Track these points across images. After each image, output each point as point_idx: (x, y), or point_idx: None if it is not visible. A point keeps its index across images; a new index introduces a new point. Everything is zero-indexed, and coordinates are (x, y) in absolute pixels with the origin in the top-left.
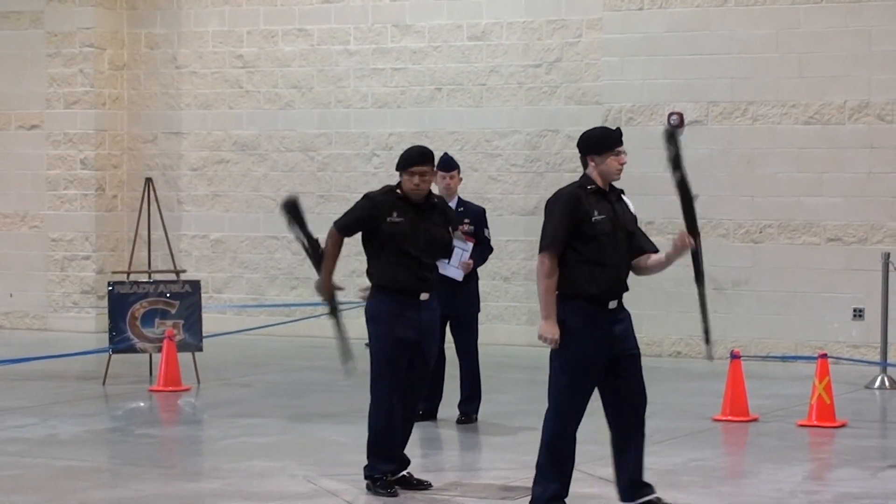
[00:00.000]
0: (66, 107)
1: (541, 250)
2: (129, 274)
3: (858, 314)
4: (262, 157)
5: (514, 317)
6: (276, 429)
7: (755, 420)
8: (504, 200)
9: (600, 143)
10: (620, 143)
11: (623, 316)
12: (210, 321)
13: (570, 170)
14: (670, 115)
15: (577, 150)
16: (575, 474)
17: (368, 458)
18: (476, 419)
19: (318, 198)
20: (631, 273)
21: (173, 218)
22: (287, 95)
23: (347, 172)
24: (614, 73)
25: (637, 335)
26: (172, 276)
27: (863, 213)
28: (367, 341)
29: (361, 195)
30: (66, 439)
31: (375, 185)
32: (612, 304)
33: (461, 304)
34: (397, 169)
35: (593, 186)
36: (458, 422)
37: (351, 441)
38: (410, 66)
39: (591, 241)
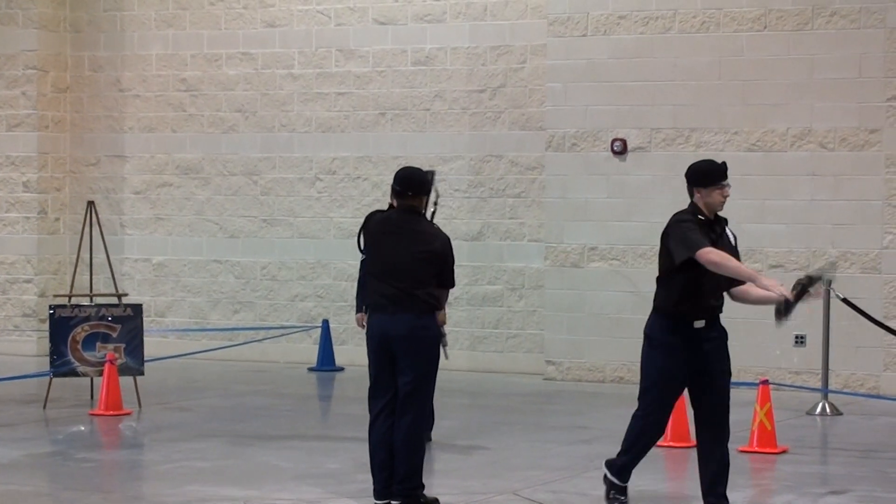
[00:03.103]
0: (8, 129)
1: (696, 253)
2: (70, 297)
3: (800, 341)
4: (205, 180)
5: (457, 342)
6: (217, 453)
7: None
8: (447, 226)
9: (708, 176)
10: (725, 177)
11: (714, 335)
12: (152, 345)
13: (513, 195)
14: (613, 141)
15: (520, 175)
16: (515, 500)
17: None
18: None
19: (261, 222)
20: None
21: (116, 241)
22: (231, 119)
23: (290, 196)
24: (558, 98)
25: (580, 361)
26: (114, 300)
27: (805, 240)
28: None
29: (364, 217)
30: (6, 463)
31: (319, 210)
32: (699, 324)
33: None
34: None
35: (703, 217)
36: None
37: (292, 465)
38: (354, 90)
39: (695, 265)
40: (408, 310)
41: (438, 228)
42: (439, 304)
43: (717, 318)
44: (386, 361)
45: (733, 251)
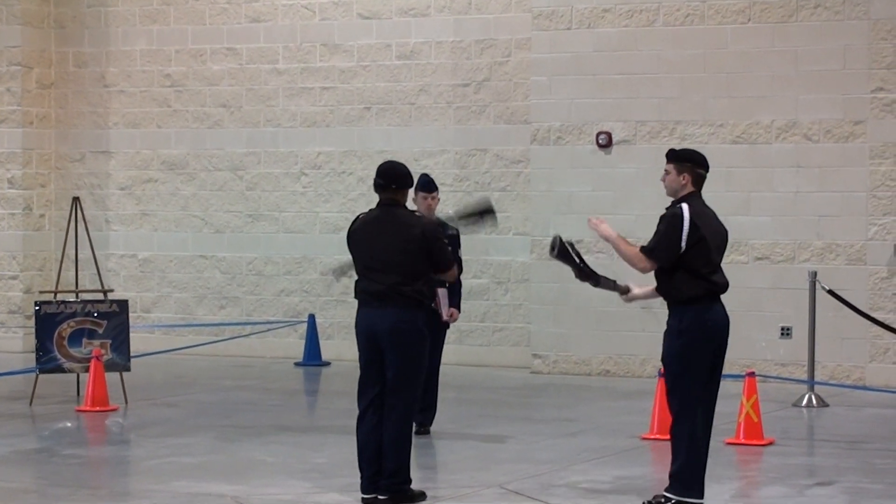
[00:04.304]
0: None
1: None
2: (56, 293)
3: (786, 332)
4: (190, 176)
5: None
6: (203, 449)
7: None
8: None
9: None
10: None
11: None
12: (138, 341)
13: (498, 188)
14: (598, 134)
15: (505, 169)
16: (502, 493)
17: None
18: (429, 430)
19: (246, 217)
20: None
21: (101, 237)
22: (215, 114)
23: (276, 191)
24: (543, 92)
25: (566, 354)
26: (100, 296)
27: (790, 232)
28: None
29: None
30: None
31: (304, 205)
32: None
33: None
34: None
35: None
36: (415, 432)
37: (279, 461)
38: (339, 85)
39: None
40: (393, 305)
41: (421, 215)
42: (425, 297)
43: (671, 305)
44: (374, 356)
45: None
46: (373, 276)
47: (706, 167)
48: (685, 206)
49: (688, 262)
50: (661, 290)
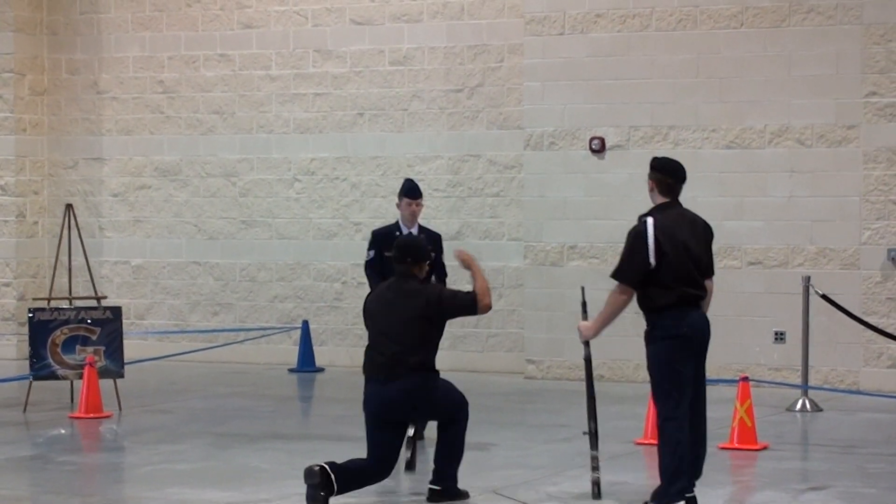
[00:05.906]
0: None
1: None
2: (49, 300)
3: (780, 337)
4: (183, 182)
5: None
6: (197, 455)
7: None
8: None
9: None
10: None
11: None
12: (132, 347)
13: (491, 194)
14: (591, 139)
15: (498, 175)
16: (496, 499)
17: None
18: (423, 435)
19: (239, 223)
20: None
21: (94, 244)
22: (208, 121)
23: (269, 198)
24: (536, 97)
25: (560, 360)
26: (93, 303)
27: (783, 237)
28: None
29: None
30: None
31: (297, 211)
32: None
33: None
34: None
35: None
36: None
37: (273, 467)
38: (332, 91)
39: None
40: (398, 376)
41: (427, 283)
42: (432, 365)
43: (646, 314)
44: (380, 425)
45: None
46: (379, 347)
47: (673, 175)
48: (650, 221)
49: (656, 276)
50: (638, 302)
